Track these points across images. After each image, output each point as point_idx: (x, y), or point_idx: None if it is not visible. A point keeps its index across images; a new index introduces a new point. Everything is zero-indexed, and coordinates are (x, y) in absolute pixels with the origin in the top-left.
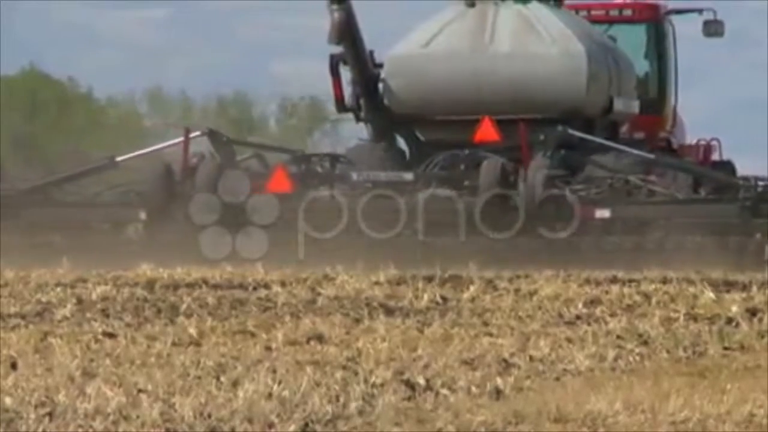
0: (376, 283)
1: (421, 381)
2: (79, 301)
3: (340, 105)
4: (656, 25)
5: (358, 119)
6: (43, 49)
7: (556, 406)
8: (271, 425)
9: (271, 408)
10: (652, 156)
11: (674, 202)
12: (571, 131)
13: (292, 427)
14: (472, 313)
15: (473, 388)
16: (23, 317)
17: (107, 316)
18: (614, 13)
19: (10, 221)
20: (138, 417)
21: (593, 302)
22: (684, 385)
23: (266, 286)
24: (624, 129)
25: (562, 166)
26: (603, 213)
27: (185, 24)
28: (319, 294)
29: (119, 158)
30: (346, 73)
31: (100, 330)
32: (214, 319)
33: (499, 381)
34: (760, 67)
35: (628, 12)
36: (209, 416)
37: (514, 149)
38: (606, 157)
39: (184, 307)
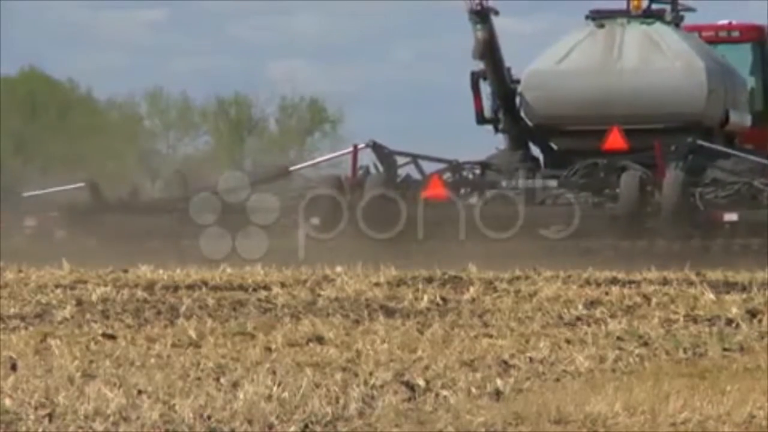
0: (376, 284)
1: (421, 382)
2: (79, 302)
3: (480, 117)
4: (761, 44)
5: (497, 130)
6: (43, 50)
7: (556, 407)
8: (270, 426)
9: (271, 409)
10: None
11: None
12: (700, 142)
13: (292, 429)
14: (472, 314)
15: (473, 389)
16: (23, 318)
17: (107, 317)
18: (723, 34)
19: (190, 228)
20: (138, 418)
21: (593, 303)
22: (684, 387)
23: (266, 288)
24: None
25: (690, 171)
26: (731, 216)
27: (184, 25)
28: (319, 295)
29: (292, 168)
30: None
31: (99, 331)
32: (213, 321)
33: (499, 382)
34: None
35: (735, 33)
36: (209, 417)
37: (641, 155)
38: (728, 162)
39: (183, 308)
